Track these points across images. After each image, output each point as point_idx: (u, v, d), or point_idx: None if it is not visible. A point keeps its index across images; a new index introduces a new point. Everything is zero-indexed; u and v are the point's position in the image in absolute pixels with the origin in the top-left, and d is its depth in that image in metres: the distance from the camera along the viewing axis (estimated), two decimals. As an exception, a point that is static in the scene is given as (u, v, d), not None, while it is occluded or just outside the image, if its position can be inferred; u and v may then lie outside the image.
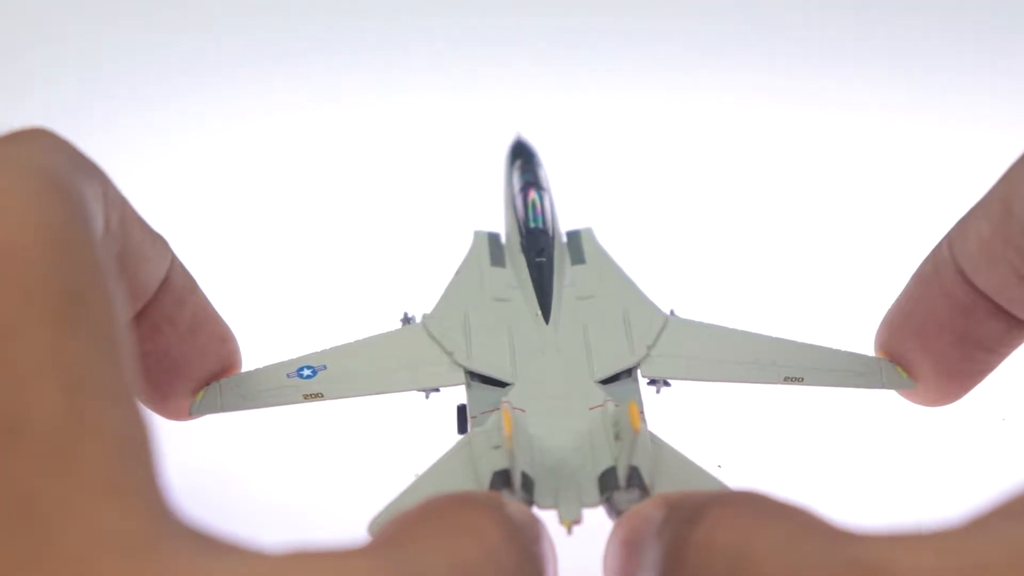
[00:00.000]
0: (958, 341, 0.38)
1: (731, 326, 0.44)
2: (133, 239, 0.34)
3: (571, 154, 0.68)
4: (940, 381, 0.39)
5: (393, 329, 0.45)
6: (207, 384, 0.40)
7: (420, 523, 0.28)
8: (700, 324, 0.45)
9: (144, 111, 0.76)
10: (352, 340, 0.43)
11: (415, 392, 0.42)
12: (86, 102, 0.76)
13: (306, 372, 0.41)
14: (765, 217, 0.67)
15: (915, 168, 0.70)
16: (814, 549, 0.25)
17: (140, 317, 0.37)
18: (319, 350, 0.42)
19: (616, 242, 0.50)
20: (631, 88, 0.80)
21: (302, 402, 0.40)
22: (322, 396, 0.41)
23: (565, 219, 0.52)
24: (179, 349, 0.38)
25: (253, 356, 0.55)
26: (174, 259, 0.37)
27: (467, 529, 0.28)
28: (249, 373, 0.41)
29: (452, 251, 0.49)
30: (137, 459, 0.24)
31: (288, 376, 0.41)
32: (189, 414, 0.40)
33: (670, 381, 0.43)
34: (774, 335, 0.43)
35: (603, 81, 0.81)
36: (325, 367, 0.41)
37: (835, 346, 0.42)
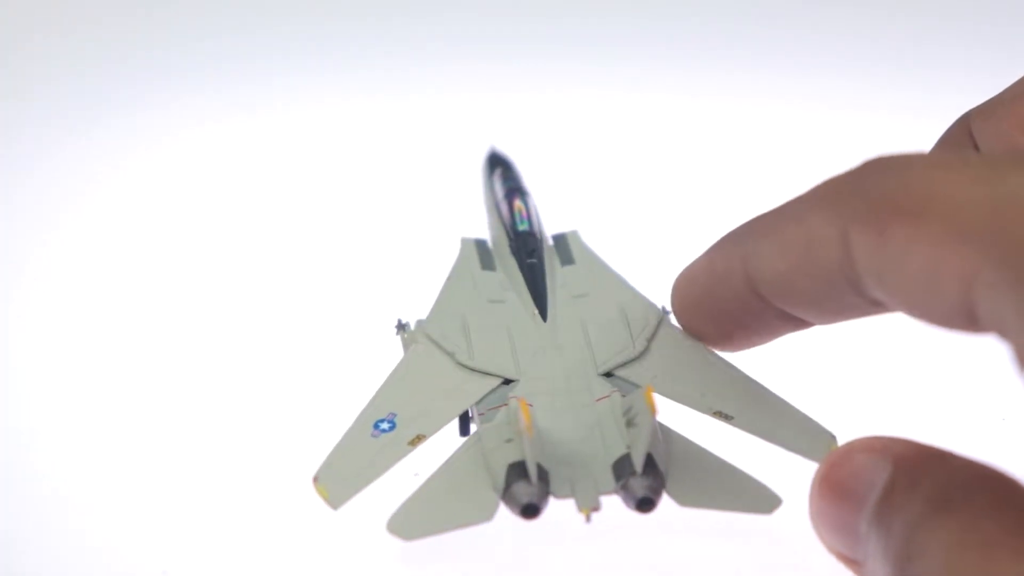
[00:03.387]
0: (744, 327, 0.39)
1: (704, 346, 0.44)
2: None
3: (550, 160, 0.69)
4: (722, 346, 0.41)
5: (409, 353, 0.44)
6: None
7: None
8: (677, 335, 0.44)
9: (120, 119, 0.75)
10: (384, 381, 0.43)
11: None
12: (70, 106, 0.76)
13: (385, 425, 0.40)
14: (746, 213, 0.68)
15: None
16: None
17: None
18: (366, 405, 0.41)
19: (600, 243, 0.51)
20: (610, 90, 0.81)
21: (410, 450, 0.40)
22: (424, 436, 0.40)
23: (547, 224, 0.52)
24: None
25: (250, 360, 0.55)
26: None
27: None
28: (339, 451, 0.39)
29: (437, 258, 0.50)
30: None
31: (373, 436, 0.40)
32: (335, 509, 0.38)
33: None
34: (740, 367, 0.43)
35: (580, 86, 0.82)
36: (395, 414, 0.41)
37: (799, 395, 0.42)
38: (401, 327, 0.46)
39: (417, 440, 0.40)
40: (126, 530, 0.47)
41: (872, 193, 0.32)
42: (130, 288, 0.61)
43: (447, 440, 0.41)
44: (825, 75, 0.83)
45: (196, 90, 0.78)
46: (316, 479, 0.38)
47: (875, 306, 0.34)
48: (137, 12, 0.83)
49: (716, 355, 0.43)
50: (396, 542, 0.36)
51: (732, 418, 0.41)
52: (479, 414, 0.41)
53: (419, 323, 0.45)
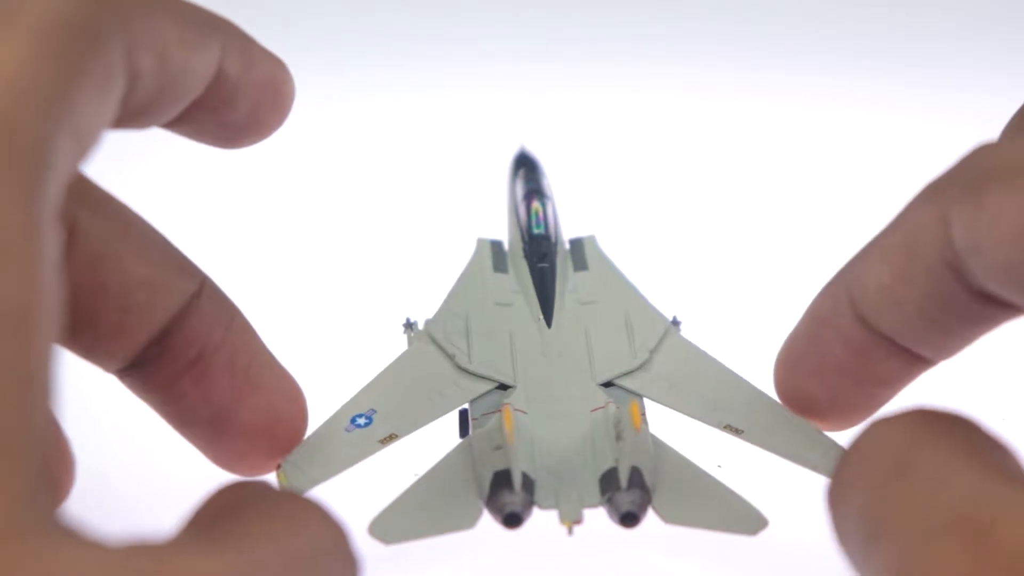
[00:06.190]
0: (856, 380, 0.38)
1: (712, 355, 0.44)
2: (172, 66, 0.31)
3: (576, 163, 0.69)
4: (838, 416, 0.39)
5: (408, 350, 0.44)
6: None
7: (246, 512, 0.27)
8: (685, 347, 0.45)
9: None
10: (375, 376, 0.43)
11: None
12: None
13: (361, 420, 0.40)
14: (772, 224, 0.67)
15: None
16: (959, 484, 0.26)
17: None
18: (351, 398, 0.41)
19: (621, 251, 0.51)
20: (639, 93, 0.80)
21: (380, 448, 0.39)
22: (396, 436, 0.40)
23: (569, 228, 0.52)
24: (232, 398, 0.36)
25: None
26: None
27: (296, 525, 0.27)
28: (308, 442, 0.40)
29: (454, 258, 0.50)
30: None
31: (347, 431, 0.40)
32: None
33: None
34: (750, 379, 0.42)
35: (610, 86, 0.81)
36: (375, 410, 0.41)
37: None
38: (408, 326, 0.46)
39: (389, 439, 0.40)
40: (126, 529, 0.47)
41: (970, 172, 0.32)
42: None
43: (448, 442, 0.41)
44: (878, 77, 0.83)
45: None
46: (279, 466, 0.38)
47: (982, 304, 0.33)
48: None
49: (728, 369, 0.43)
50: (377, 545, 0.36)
51: (742, 432, 0.40)
52: (473, 419, 0.41)
53: (427, 323, 0.46)
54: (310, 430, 0.40)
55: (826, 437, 0.40)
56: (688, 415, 0.41)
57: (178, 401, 0.36)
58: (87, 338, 0.34)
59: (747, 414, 0.41)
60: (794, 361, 0.39)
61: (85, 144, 0.28)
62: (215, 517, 0.27)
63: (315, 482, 0.38)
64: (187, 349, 0.35)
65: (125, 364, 0.35)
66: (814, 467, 0.39)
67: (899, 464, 0.28)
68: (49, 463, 0.24)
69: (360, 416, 0.40)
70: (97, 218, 0.33)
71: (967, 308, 0.34)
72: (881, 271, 0.35)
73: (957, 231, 0.32)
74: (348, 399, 0.41)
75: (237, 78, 0.34)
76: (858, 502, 0.29)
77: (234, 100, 0.34)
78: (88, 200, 0.33)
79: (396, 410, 0.41)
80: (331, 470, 0.38)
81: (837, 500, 0.30)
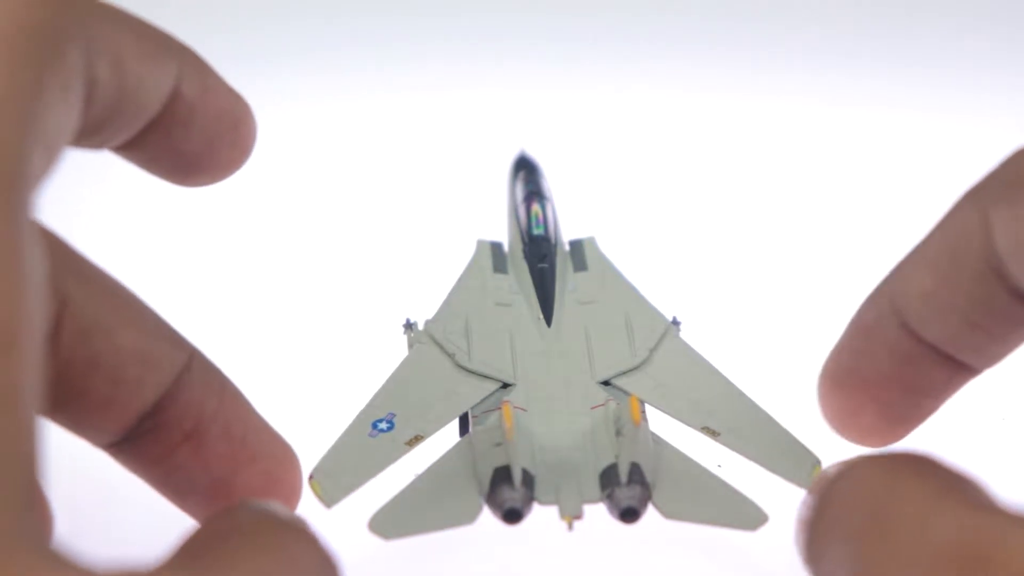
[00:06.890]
0: (904, 391, 0.37)
1: (706, 357, 0.44)
2: (129, 77, 0.30)
3: (576, 164, 0.69)
4: (884, 429, 0.39)
5: (413, 352, 0.45)
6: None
7: (235, 541, 0.27)
8: (679, 348, 0.45)
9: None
10: (386, 380, 0.43)
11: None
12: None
13: (383, 425, 0.40)
14: (771, 223, 0.67)
15: (945, 173, 0.69)
16: (946, 521, 0.26)
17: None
18: (367, 404, 0.41)
19: (621, 251, 0.51)
20: (639, 94, 0.80)
21: (408, 451, 0.40)
22: (421, 437, 0.40)
23: (569, 230, 0.52)
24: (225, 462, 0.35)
25: (256, 363, 0.55)
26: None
27: (287, 557, 0.27)
28: (336, 449, 0.40)
29: (454, 259, 0.50)
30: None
31: (371, 436, 0.40)
32: (328, 508, 0.38)
33: None
34: (745, 379, 0.43)
35: (609, 88, 0.81)
36: (394, 414, 0.41)
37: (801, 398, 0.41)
38: (409, 326, 0.46)
39: (415, 440, 0.40)
40: (126, 531, 0.47)
41: (1010, 174, 0.32)
42: (139, 285, 0.62)
43: (449, 441, 0.41)
44: (878, 77, 0.83)
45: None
46: (311, 476, 0.38)
47: None
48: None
49: (718, 373, 0.43)
50: (376, 541, 0.36)
51: (719, 435, 0.41)
52: (473, 417, 0.41)
53: (427, 323, 0.46)
54: (327, 434, 0.40)
55: (801, 447, 0.40)
56: (669, 415, 0.41)
57: (175, 473, 0.35)
58: (76, 411, 0.33)
59: (727, 418, 0.41)
60: (840, 375, 0.38)
61: (53, 154, 0.27)
62: (206, 544, 0.27)
63: (351, 489, 0.38)
64: (183, 422, 0.35)
65: (115, 438, 0.34)
66: (784, 474, 0.39)
67: (880, 510, 0.28)
68: (37, 488, 0.24)
69: (381, 421, 0.41)
70: (88, 291, 0.32)
71: (1010, 312, 0.34)
72: (924, 278, 0.35)
73: (998, 233, 0.32)
74: (360, 404, 0.41)
75: (193, 101, 0.33)
76: (842, 555, 0.28)
77: (190, 125, 0.33)
78: (78, 273, 0.33)
79: (416, 412, 0.41)
80: (363, 476, 0.38)
81: (816, 556, 0.30)
